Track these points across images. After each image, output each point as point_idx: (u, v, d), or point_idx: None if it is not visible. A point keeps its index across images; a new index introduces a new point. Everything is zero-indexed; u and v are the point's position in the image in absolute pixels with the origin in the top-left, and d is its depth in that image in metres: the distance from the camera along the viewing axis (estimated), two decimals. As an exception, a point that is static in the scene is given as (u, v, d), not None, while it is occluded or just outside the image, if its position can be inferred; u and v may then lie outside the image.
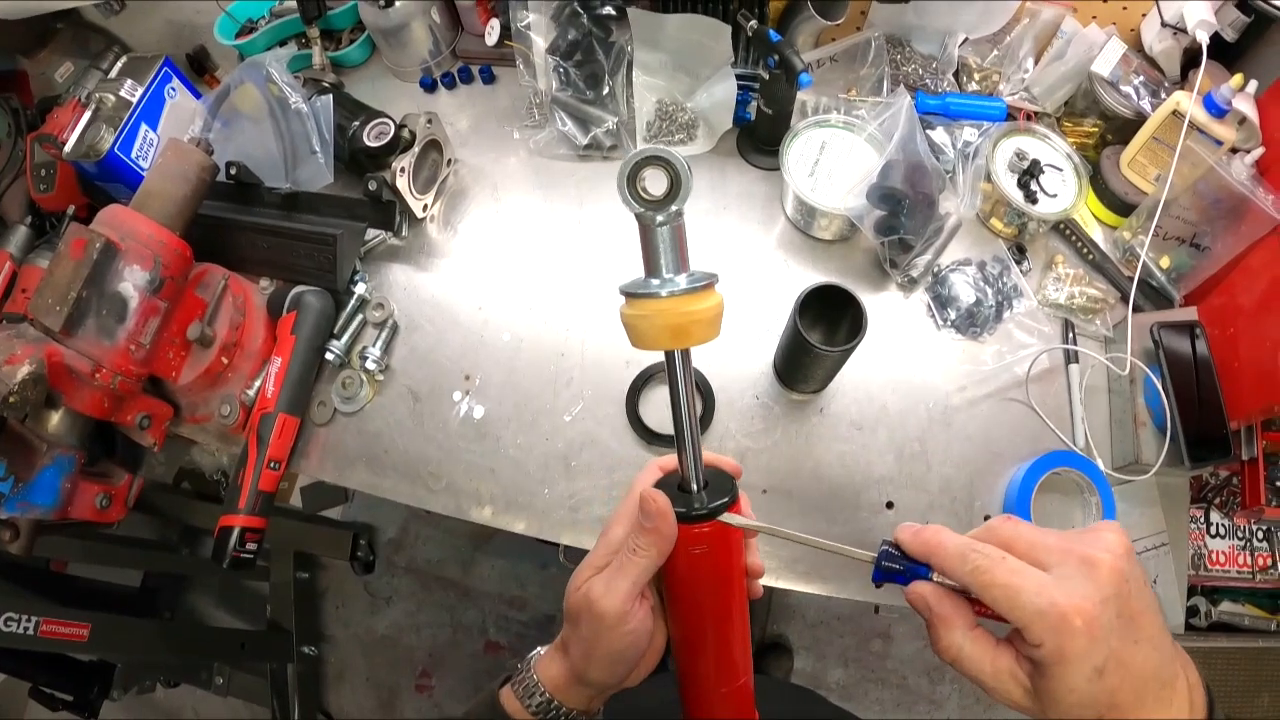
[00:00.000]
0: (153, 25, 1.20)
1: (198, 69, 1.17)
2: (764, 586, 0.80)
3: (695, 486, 0.46)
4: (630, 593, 0.43)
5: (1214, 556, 1.05)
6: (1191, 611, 1.10)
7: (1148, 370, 0.86)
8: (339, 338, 0.90)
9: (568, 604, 0.46)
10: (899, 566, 0.42)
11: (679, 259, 0.41)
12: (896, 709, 1.73)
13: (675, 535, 0.44)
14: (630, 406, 0.85)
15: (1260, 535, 1.06)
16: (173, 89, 1.04)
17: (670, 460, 0.50)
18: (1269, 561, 1.06)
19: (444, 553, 1.87)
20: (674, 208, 0.39)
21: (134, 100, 0.98)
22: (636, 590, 0.44)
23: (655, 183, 0.38)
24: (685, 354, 0.43)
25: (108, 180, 0.98)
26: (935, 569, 0.40)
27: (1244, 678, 1.87)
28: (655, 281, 0.41)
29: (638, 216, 0.39)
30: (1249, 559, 1.06)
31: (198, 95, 1.06)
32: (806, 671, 1.78)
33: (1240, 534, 1.06)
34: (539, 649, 0.50)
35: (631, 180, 0.39)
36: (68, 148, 0.95)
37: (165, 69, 1.03)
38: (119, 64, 1.04)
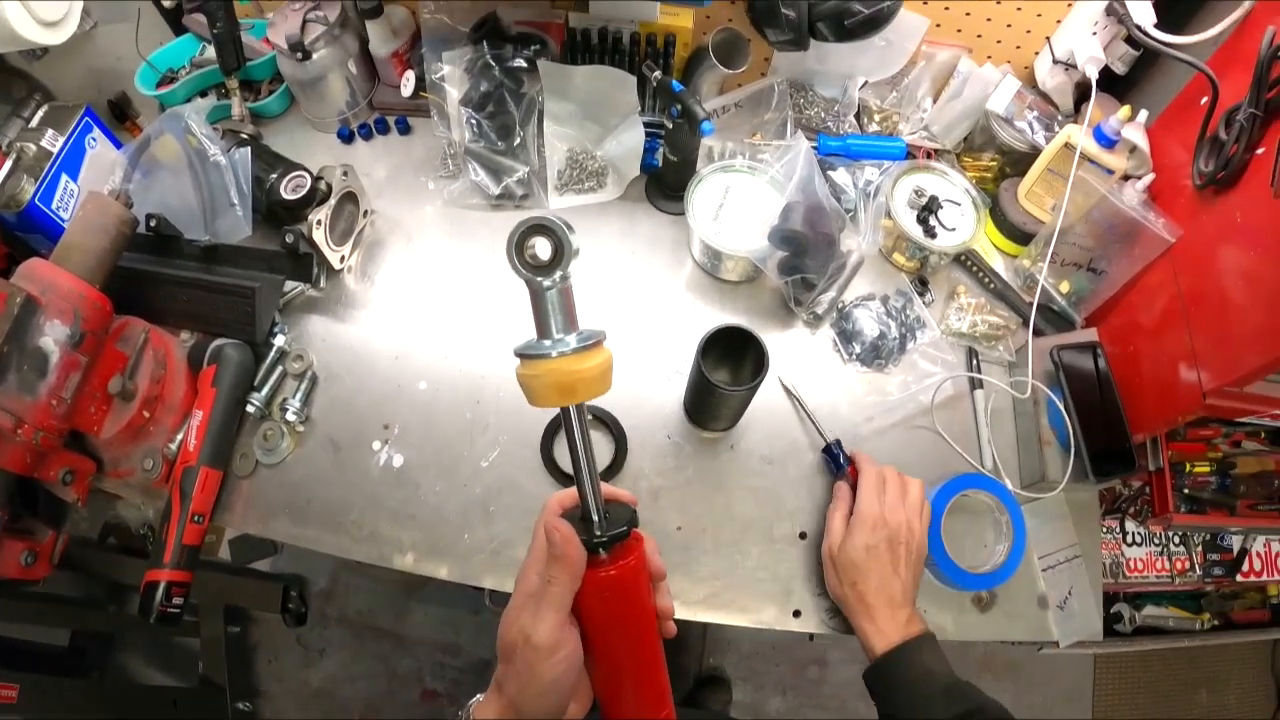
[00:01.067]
0: (75, 71, 1.19)
1: (119, 116, 1.17)
2: (697, 622, 0.83)
3: (595, 516, 0.49)
4: (557, 620, 0.46)
5: (1132, 564, 1.09)
6: (1115, 618, 1.13)
7: (1050, 392, 0.90)
8: (259, 389, 0.90)
9: (501, 642, 0.48)
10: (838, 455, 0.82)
11: (568, 319, 0.44)
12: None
13: (584, 559, 0.47)
14: (545, 450, 0.87)
15: (1177, 540, 1.11)
16: (93, 139, 1.04)
17: (569, 495, 0.53)
18: (1187, 565, 1.10)
19: (376, 602, 1.85)
20: (559, 273, 0.41)
21: (55, 150, 0.98)
22: (563, 617, 0.47)
23: (542, 249, 0.41)
24: (579, 407, 0.46)
25: (28, 231, 0.98)
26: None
27: (1180, 677, 1.94)
28: (546, 342, 0.44)
29: (526, 282, 0.42)
30: (1167, 563, 1.10)
31: (118, 145, 1.06)
32: (745, 702, 1.79)
33: (1157, 540, 1.10)
34: (477, 696, 0.51)
35: (519, 248, 0.41)
36: (-12, 197, 0.94)
37: (86, 118, 1.02)
38: (40, 112, 1.03)
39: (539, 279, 0.42)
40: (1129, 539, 1.09)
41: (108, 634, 1.69)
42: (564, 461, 0.87)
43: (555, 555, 0.46)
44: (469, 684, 1.76)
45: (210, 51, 1.08)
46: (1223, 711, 1.94)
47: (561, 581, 0.46)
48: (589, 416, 0.88)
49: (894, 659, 0.73)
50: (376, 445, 0.89)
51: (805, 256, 0.89)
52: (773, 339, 0.78)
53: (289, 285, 0.95)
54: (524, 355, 0.44)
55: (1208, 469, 1.05)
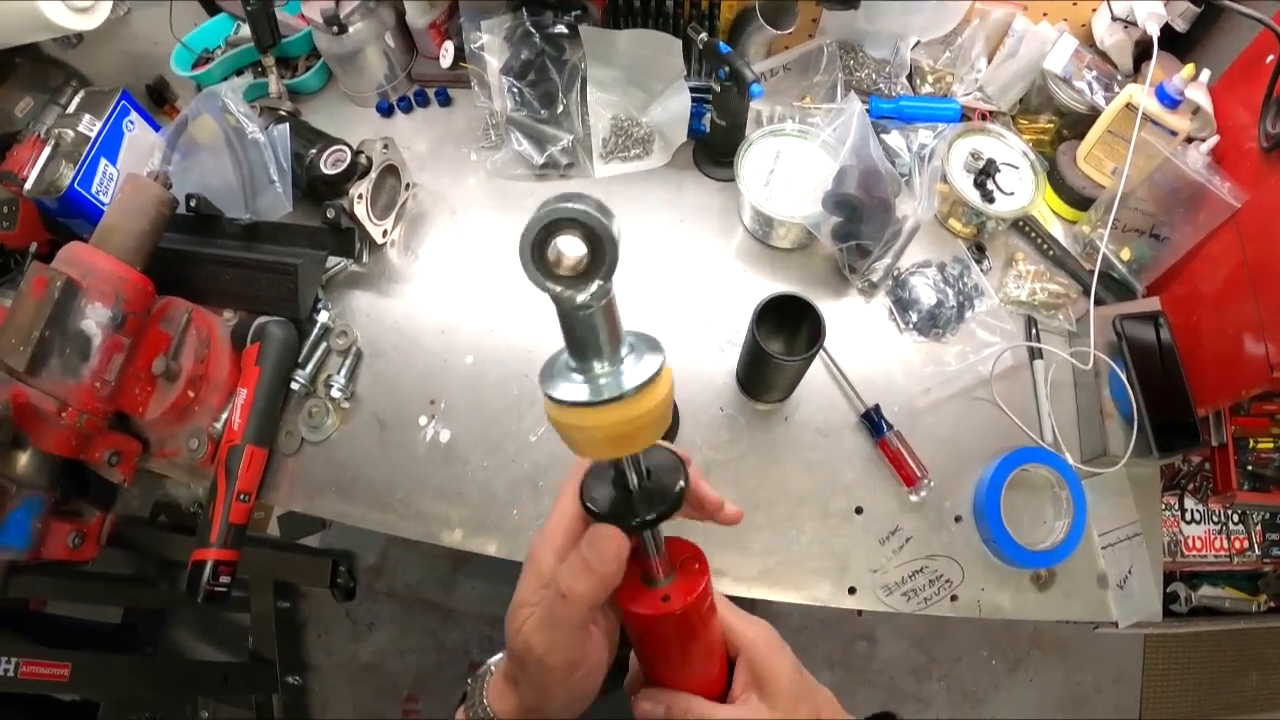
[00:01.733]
0: (111, 56, 1.19)
1: (157, 99, 1.16)
2: (745, 598, 0.81)
3: (635, 483, 0.38)
4: (573, 641, 0.38)
5: (1190, 542, 1.05)
6: (1171, 598, 1.10)
7: (1112, 363, 0.87)
8: (303, 367, 0.90)
9: (510, 646, 0.40)
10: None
11: (613, 338, 0.32)
12: (885, 708, 1.73)
13: (620, 576, 0.37)
14: (595, 424, 0.85)
15: (1236, 518, 1.07)
16: (130, 122, 1.04)
17: None
18: (1245, 544, 1.07)
19: (424, 576, 1.86)
20: (597, 283, 0.28)
21: (92, 135, 0.98)
22: (581, 632, 0.39)
23: (572, 249, 0.27)
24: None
25: (69, 216, 0.98)
26: None
27: (1231, 658, 1.90)
28: (581, 379, 0.32)
29: (554, 299, 0.29)
30: (1225, 542, 1.06)
31: (156, 127, 1.06)
32: None
33: (1215, 518, 1.06)
34: (490, 665, 0.46)
35: (538, 251, 0.28)
36: (28, 185, 0.94)
37: (123, 102, 1.02)
38: (77, 98, 1.03)
39: (570, 293, 0.28)
40: (1187, 516, 1.06)
41: (159, 611, 1.72)
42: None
43: (588, 565, 0.37)
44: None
45: (245, 30, 1.07)
46: (1273, 695, 1.89)
47: (586, 600, 0.37)
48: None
49: None
50: (423, 421, 0.88)
51: (860, 222, 0.85)
52: (826, 308, 0.75)
53: (331, 261, 0.94)
54: (560, 401, 0.32)
55: (1271, 445, 1.00)
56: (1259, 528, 1.06)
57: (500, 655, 0.45)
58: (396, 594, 1.85)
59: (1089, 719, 1.76)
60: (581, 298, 0.29)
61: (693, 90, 0.94)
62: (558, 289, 0.28)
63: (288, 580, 1.74)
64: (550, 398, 0.33)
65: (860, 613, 1.77)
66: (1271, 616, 1.11)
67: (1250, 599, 1.12)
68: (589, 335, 0.31)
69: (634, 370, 0.32)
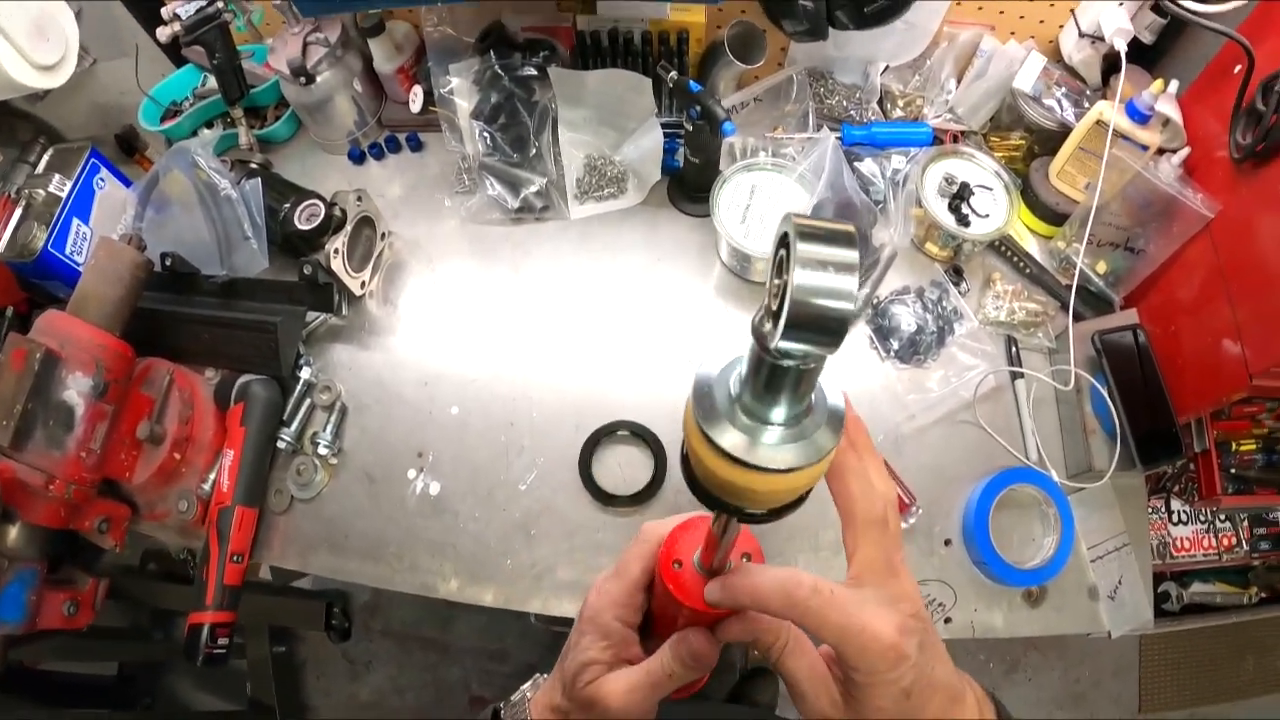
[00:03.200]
0: (78, 108, 1.18)
1: (127, 150, 1.16)
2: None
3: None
4: (652, 706, 0.41)
5: (1179, 543, 1.06)
6: (1163, 597, 1.10)
7: (1092, 380, 0.88)
8: (289, 424, 0.89)
9: (578, 695, 0.41)
10: None
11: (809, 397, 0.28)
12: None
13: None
14: (583, 470, 0.85)
15: (1223, 517, 1.08)
16: (101, 179, 1.03)
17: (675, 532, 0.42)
18: (1233, 541, 1.08)
19: (420, 613, 1.85)
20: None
21: (63, 195, 0.98)
22: (659, 693, 0.41)
23: (841, 286, 0.22)
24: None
25: (44, 278, 0.97)
26: (759, 609, 0.38)
27: (1226, 645, 1.92)
28: (784, 436, 0.27)
29: (787, 354, 0.24)
30: (1214, 541, 1.07)
31: (127, 183, 1.05)
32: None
33: (1203, 517, 1.07)
34: (525, 692, 0.47)
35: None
36: (0, 248, 0.94)
37: (92, 160, 1.02)
38: (46, 156, 1.03)
39: (822, 346, 0.23)
40: (1174, 518, 1.07)
41: (156, 662, 1.71)
42: (604, 481, 0.86)
43: (696, 662, 0.39)
44: (516, 689, 1.77)
45: (212, 81, 1.06)
46: (1271, 677, 1.91)
47: (681, 683, 0.40)
48: (625, 432, 0.87)
49: None
50: (411, 474, 0.88)
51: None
52: (808, 341, 0.75)
53: (311, 316, 0.94)
54: (743, 463, 0.27)
55: (1253, 446, 1.01)
56: (1245, 524, 1.07)
57: (531, 687, 0.47)
58: (392, 632, 1.84)
59: (1088, 716, 1.78)
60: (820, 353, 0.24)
61: (665, 126, 0.94)
62: (814, 342, 0.23)
63: (283, 624, 1.73)
64: (730, 456, 0.27)
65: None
66: (1264, 608, 1.13)
67: (1241, 592, 1.13)
68: (803, 389, 0.27)
69: (833, 430, 0.28)
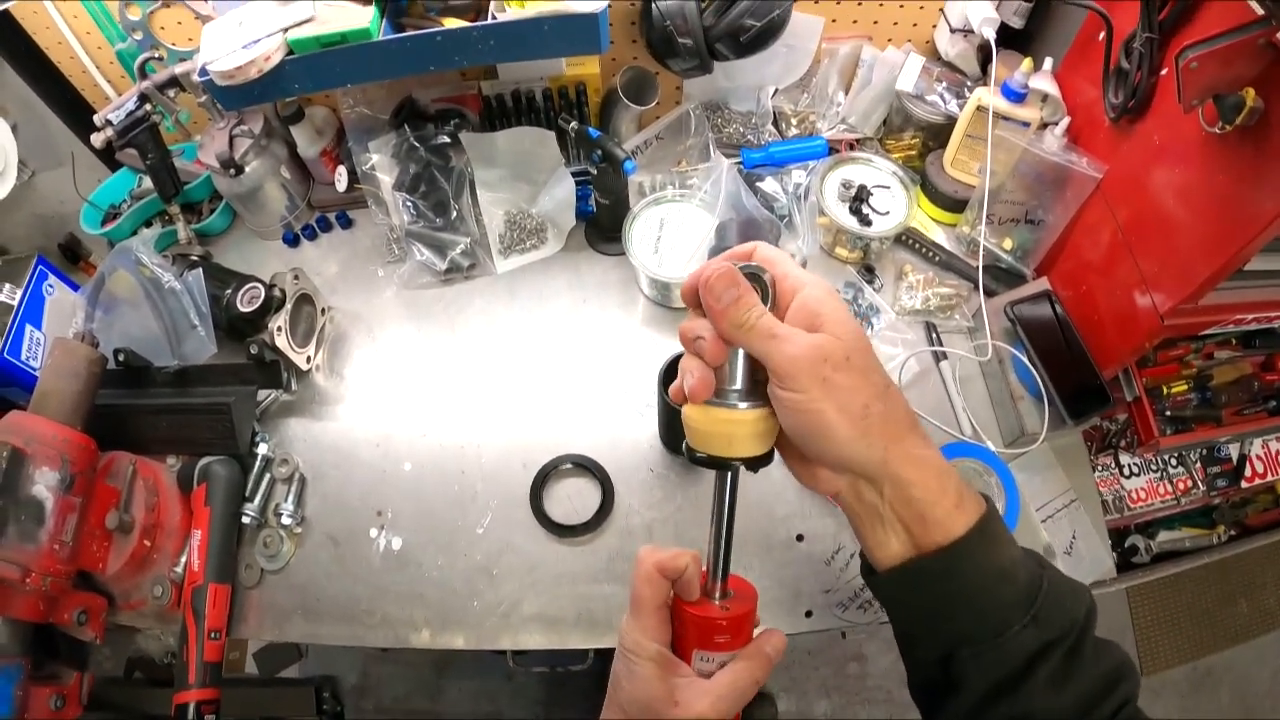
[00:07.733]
0: (21, 221, 1.21)
1: (71, 257, 1.19)
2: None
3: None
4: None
5: (1134, 495, 1.09)
6: (1131, 551, 1.12)
7: (1011, 349, 0.93)
8: (251, 499, 0.92)
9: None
10: None
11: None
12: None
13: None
14: (535, 506, 0.89)
15: (1174, 461, 1.10)
16: (50, 286, 1.06)
17: (667, 558, 0.49)
18: (1189, 484, 1.10)
19: (409, 687, 1.83)
20: None
21: (15, 303, 1.00)
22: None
23: None
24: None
25: (2, 385, 1.00)
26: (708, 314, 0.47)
27: (1216, 591, 1.93)
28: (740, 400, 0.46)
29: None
30: (1169, 486, 1.10)
31: (75, 287, 1.08)
32: (792, 712, 1.78)
33: (1154, 466, 1.10)
34: None
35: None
36: (-43, 357, 0.96)
37: (39, 267, 1.05)
38: (-7, 267, 1.06)
39: None
40: (1126, 471, 1.10)
41: (144, 756, 1.68)
42: (555, 513, 0.89)
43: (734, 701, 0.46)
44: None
45: (148, 182, 1.10)
46: (1266, 618, 1.93)
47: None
48: (569, 465, 0.91)
49: (961, 555, 0.44)
50: (374, 533, 0.91)
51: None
52: (733, 355, 0.79)
53: (262, 394, 0.98)
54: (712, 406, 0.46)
55: (1185, 387, 1.04)
56: (1198, 465, 1.10)
57: None
58: (384, 710, 1.82)
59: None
60: None
61: (575, 174, 0.99)
62: None
63: (273, 716, 1.68)
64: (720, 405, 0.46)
65: (844, 634, 1.80)
66: (1235, 544, 1.14)
67: (1209, 533, 1.15)
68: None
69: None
